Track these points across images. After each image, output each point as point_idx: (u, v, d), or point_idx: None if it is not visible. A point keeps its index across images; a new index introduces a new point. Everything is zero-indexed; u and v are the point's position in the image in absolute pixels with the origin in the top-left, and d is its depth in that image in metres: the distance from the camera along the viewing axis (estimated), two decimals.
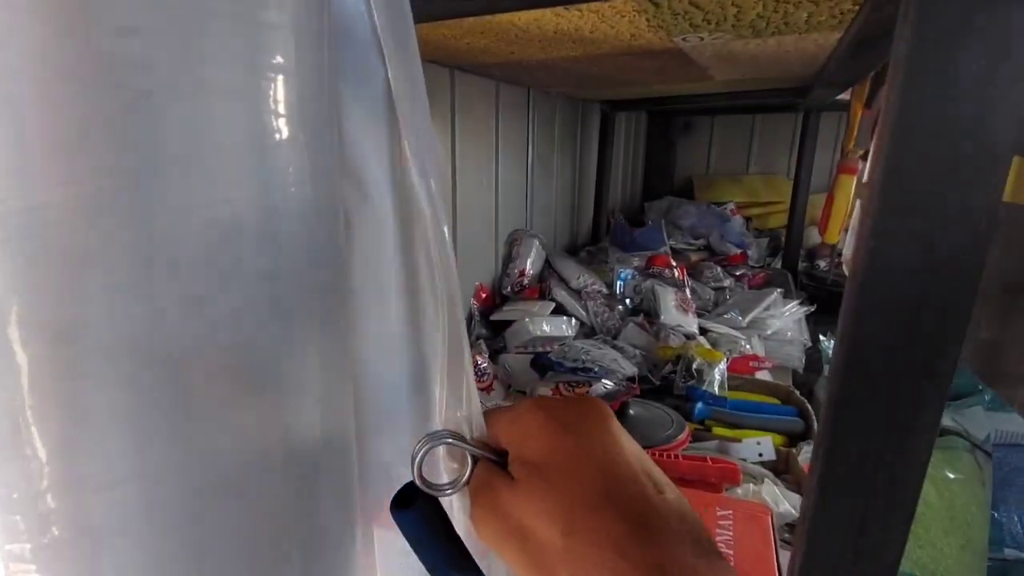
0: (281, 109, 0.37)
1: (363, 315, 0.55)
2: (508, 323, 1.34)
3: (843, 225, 1.39)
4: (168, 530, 0.29)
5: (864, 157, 1.18)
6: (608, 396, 1.04)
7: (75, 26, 0.25)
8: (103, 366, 0.27)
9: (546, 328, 1.28)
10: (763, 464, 0.99)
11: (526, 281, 1.49)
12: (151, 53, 0.26)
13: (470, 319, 1.35)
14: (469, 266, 1.34)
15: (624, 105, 2.01)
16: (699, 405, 1.18)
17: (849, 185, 1.29)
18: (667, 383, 1.27)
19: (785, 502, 0.79)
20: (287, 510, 0.34)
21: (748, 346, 1.53)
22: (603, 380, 1.07)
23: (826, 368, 1.93)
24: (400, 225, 0.52)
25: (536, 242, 1.55)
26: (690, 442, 1.03)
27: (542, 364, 1.16)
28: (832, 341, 2.02)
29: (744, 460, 0.99)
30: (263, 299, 0.36)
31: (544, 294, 1.49)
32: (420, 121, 0.46)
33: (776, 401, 1.26)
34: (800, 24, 0.77)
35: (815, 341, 1.91)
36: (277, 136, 0.36)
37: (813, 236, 2.68)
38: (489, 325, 1.39)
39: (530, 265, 1.51)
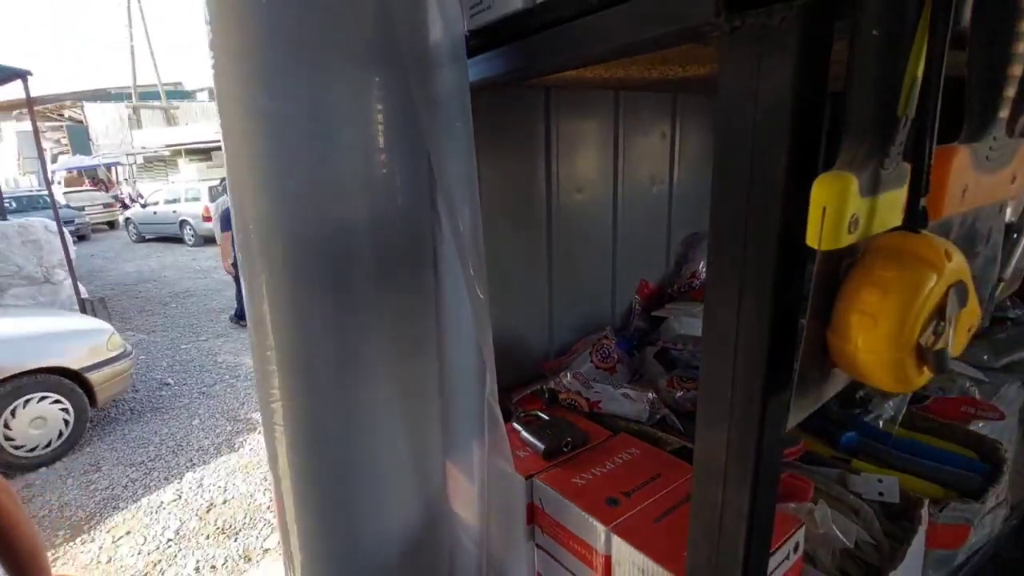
0: (381, 144, 0.68)
1: (452, 285, 0.83)
2: (662, 319, 1.43)
3: None
4: None
5: None
6: None
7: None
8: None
9: (688, 328, 1.33)
10: (882, 506, 0.89)
11: (696, 283, 1.54)
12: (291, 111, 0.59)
13: (630, 311, 1.50)
14: (635, 266, 1.48)
15: None
16: (850, 434, 1.08)
17: None
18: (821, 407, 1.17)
19: (833, 527, 0.75)
20: None
21: (973, 389, 1.24)
22: None
23: None
24: (472, 230, 0.78)
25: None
26: (800, 459, 0.99)
27: (669, 359, 1.24)
28: None
29: (858, 495, 0.91)
30: (368, 259, 0.68)
31: None
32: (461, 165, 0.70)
33: (961, 450, 1.04)
34: None
35: None
36: (380, 158, 0.67)
37: None
38: (650, 320, 1.50)
39: (702, 268, 1.54)
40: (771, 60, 0.39)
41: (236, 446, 3.82)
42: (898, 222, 0.41)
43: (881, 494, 0.90)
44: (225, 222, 5.71)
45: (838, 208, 0.35)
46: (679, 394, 1.08)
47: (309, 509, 0.81)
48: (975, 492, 0.93)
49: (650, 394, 1.05)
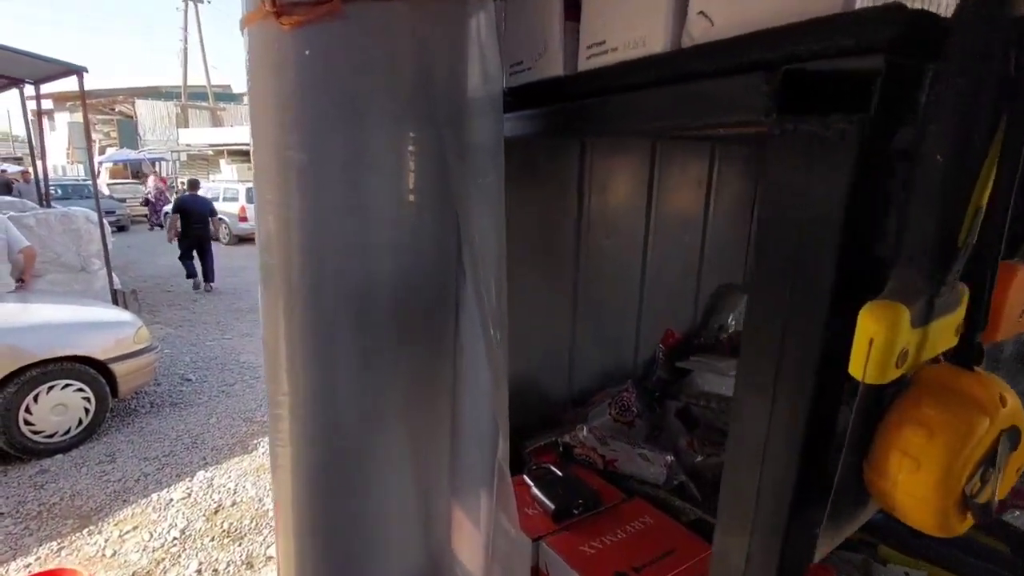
0: (412, 198, 0.67)
1: (471, 341, 0.82)
2: (687, 372, 1.39)
3: None
4: None
5: None
6: None
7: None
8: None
9: (713, 385, 1.29)
10: None
11: (723, 336, 1.50)
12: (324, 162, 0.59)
13: (653, 360, 1.46)
14: (661, 315, 1.45)
15: None
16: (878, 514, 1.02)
17: None
18: None
19: None
20: None
21: None
22: None
23: None
24: (497, 290, 0.77)
25: (746, 299, 1.52)
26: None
27: (690, 417, 1.20)
28: None
29: None
30: (391, 312, 0.67)
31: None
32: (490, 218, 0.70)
33: (989, 540, 0.97)
34: None
35: None
36: (409, 212, 0.66)
37: None
38: (673, 371, 1.46)
39: (731, 320, 1.50)
40: (822, 169, 0.37)
41: (250, 448, 3.83)
42: (951, 343, 0.38)
43: None
44: None
45: (887, 341, 0.33)
46: (699, 459, 1.04)
47: (310, 556, 0.80)
48: None
49: (668, 457, 1.01)
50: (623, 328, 1.40)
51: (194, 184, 8.12)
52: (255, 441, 3.99)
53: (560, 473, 0.98)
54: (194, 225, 7.64)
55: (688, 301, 1.53)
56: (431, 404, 0.79)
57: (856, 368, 0.34)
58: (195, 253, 7.92)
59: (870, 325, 0.33)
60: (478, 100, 0.67)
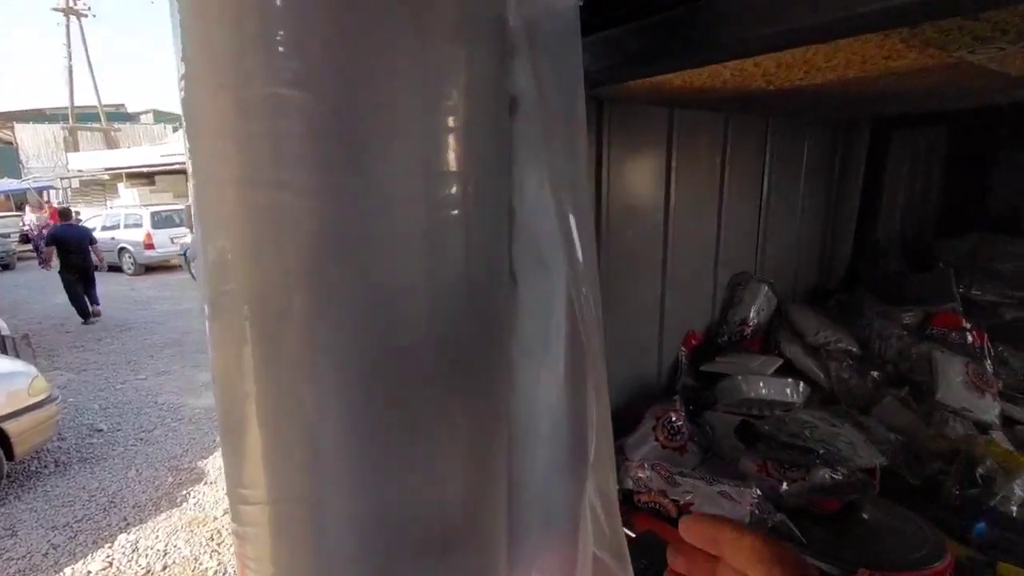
0: (450, 203, 0.43)
1: (530, 374, 0.58)
2: (718, 376, 1.21)
3: None
4: None
5: None
6: (831, 490, 0.85)
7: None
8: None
9: (764, 390, 1.12)
10: None
11: (748, 331, 1.33)
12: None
13: (676, 368, 1.27)
14: (679, 310, 1.26)
15: (906, 121, 1.63)
16: (981, 524, 0.88)
17: None
18: (932, 485, 0.97)
19: None
20: None
21: None
22: (826, 468, 0.88)
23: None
24: (569, 290, 0.54)
25: (765, 288, 1.37)
26: (952, 574, 0.77)
27: (752, 433, 1.01)
28: None
29: None
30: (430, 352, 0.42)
31: (770, 348, 1.31)
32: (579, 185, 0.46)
33: None
34: None
35: None
36: (445, 218, 0.42)
37: None
38: (698, 376, 1.28)
39: (755, 313, 1.34)
40: None
41: (178, 500, 3.34)
42: None
43: None
44: None
45: None
46: (784, 487, 0.85)
47: None
48: None
49: (755, 491, 0.81)
50: (645, 331, 1.20)
51: (66, 214, 7.56)
52: (185, 491, 3.51)
53: (631, 534, 0.75)
54: (72, 255, 6.97)
55: (706, 296, 1.35)
56: (491, 480, 0.53)
57: None
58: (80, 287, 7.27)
59: None
60: (556, 15, 0.44)
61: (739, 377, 1.14)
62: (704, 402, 1.20)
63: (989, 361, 1.30)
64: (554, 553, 0.62)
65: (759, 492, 0.81)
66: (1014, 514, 0.90)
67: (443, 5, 0.42)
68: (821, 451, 0.93)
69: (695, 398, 1.20)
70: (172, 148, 16.49)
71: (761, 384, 1.12)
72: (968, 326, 1.34)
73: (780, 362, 1.25)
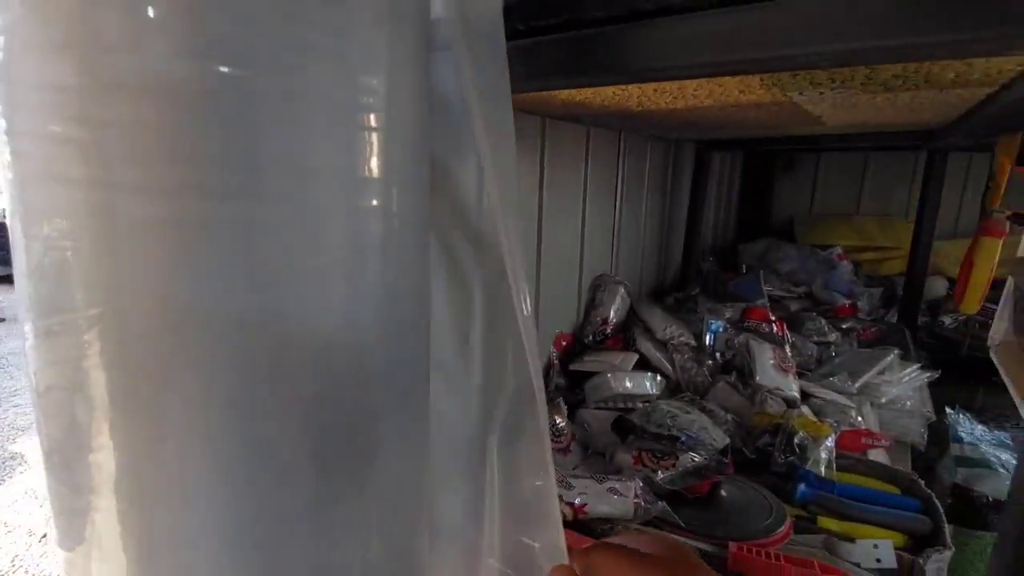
0: (373, 171, 0.37)
1: (450, 373, 0.54)
2: (588, 374, 1.28)
3: (983, 294, 1.21)
4: None
5: (1014, 219, 1.01)
6: (697, 472, 0.95)
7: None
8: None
9: (629, 385, 1.21)
10: (880, 573, 0.86)
11: (608, 330, 1.43)
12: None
13: (548, 368, 1.31)
14: (550, 313, 1.31)
15: (720, 145, 1.91)
16: (801, 487, 1.05)
17: (993, 249, 1.11)
18: (762, 456, 1.15)
19: None
20: None
21: (859, 417, 1.36)
22: (691, 453, 0.98)
23: (953, 447, 1.68)
24: (485, 289, 0.51)
25: (621, 289, 1.49)
26: (792, 534, 0.91)
27: (624, 427, 1.09)
28: (962, 415, 1.77)
29: (857, 565, 0.86)
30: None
31: (628, 344, 1.42)
32: (509, 184, 0.44)
33: (895, 490, 1.10)
34: (945, 82, 0.68)
35: (939, 413, 1.66)
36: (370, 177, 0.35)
37: (935, 287, 2.39)
38: (568, 375, 1.34)
39: (613, 313, 1.45)
40: None
41: None
42: None
43: (879, 560, 0.86)
44: None
45: None
46: (660, 475, 0.92)
47: None
48: (929, 536, 0.96)
49: (639, 484, 0.87)
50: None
51: None
52: None
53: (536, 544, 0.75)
54: None
55: (571, 298, 1.42)
56: (415, 509, 0.48)
57: None
58: None
59: None
60: (487, 17, 0.40)
61: (608, 375, 1.21)
62: (577, 401, 1.25)
63: (788, 346, 1.57)
64: (458, 565, 0.59)
65: (641, 484, 0.87)
66: (823, 474, 1.11)
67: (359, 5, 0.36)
68: (683, 438, 1.03)
69: (566, 398, 1.25)
70: None
71: (626, 380, 1.21)
72: (773, 319, 1.61)
73: (636, 357, 1.37)
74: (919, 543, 0.95)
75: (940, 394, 1.65)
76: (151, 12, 0.29)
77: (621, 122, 1.29)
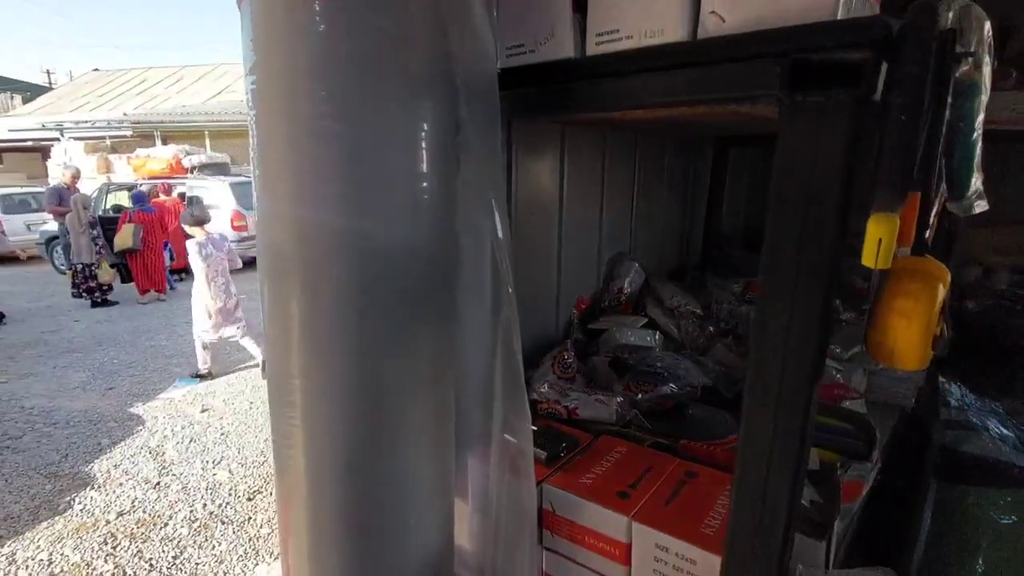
0: (424, 168, 0.70)
1: (468, 307, 0.88)
2: (600, 331, 1.58)
3: None
4: None
5: None
6: (670, 397, 1.24)
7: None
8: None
9: (631, 338, 1.50)
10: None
11: (623, 297, 1.72)
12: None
13: (569, 324, 1.63)
14: (572, 281, 1.62)
15: (736, 141, 2.13)
16: None
17: None
18: (740, 398, 1.40)
19: None
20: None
21: (839, 376, 1.57)
22: (669, 384, 1.27)
23: (943, 411, 1.83)
24: (493, 252, 0.84)
25: (636, 265, 1.77)
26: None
27: (620, 365, 1.39)
28: (953, 384, 1.91)
29: None
30: (407, 289, 0.70)
31: (639, 310, 1.71)
32: (498, 180, 0.77)
33: (841, 424, 1.33)
34: None
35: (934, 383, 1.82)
36: (422, 183, 0.69)
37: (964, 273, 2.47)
38: (586, 332, 1.64)
39: (627, 284, 1.73)
40: (829, 129, 0.53)
41: (61, 507, 3.14)
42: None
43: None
44: None
45: (889, 240, 0.49)
46: (639, 396, 1.22)
47: (332, 549, 0.78)
48: (862, 454, 1.19)
49: (619, 398, 1.17)
50: (545, 298, 1.54)
51: None
52: (68, 498, 3.30)
53: (535, 427, 1.08)
54: None
55: (591, 271, 1.72)
56: (442, 376, 0.82)
57: (869, 259, 0.50)
58: None
59: (879, 229, 0.49)
60: (484, 77, 0.73)
61: (614, 329, 1.51)
62: (590, 351, 1.56)
63: None
64: (479, 439, 0.92)
65: (621, 398, 1.17)
66: None
67: (417, 68, 0.70)
68: (665, 375, 1.32)
69: (584, 348, 1.56)
70: (22, 122, 14.21)
71: (629, 333, 1.50)
72: None
73: (645, 320, 1.66)
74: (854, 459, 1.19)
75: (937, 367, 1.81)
76: (312, 88, 0.64)
77: (634, 128, 1.58)
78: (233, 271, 4.54)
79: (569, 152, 1.48)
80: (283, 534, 0.82)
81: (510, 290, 0.79)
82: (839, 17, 0.53)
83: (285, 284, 0.70)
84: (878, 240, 0.50)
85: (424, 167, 0.71)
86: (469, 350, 0.88)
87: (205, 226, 4.37)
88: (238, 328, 4.60)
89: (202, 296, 4.37)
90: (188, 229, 4.35)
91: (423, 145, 0.71)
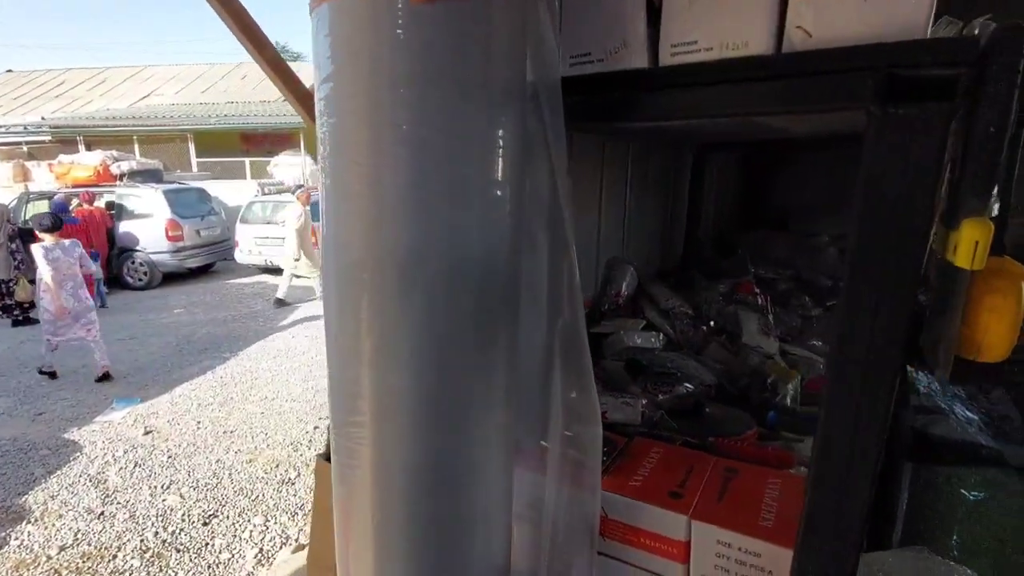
0: (500, 176, 0.69)
1: (529, 316, 0.86)
2: (604, 335, 1.60)
3: None
4: None
5: None
6: (687, 396, 1.27)
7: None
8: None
9: (638, 340, 1.53)
10: None
11: (621, 300, 1.75)
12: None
13: None
14: None
15: (715, 146, 2.23)
16: (771, 414, 1.37)
17: None
18: (744, 393, 1.46)
19: None
20: None
21: (824, 369, 1.67)
22: (685, 383, 1.30)
23: (912, 398, 1.98)
24: (550, 258, 0.83)
25: (631, 268, 1.81)
26: (757, 439, 1.23)
27: (636, 368, 1.41)
28: (920, 373, 2.07)
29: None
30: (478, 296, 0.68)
31: (636, 312, 1.74)
32: (566, 185, 0.77)
33: None
34: None
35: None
36: (496, 191, 0.68)
37: None
38: (589, 336, 1.66)
39: (625, 287, 1.77)
40: (920, 142, 0.56)
41: None
42: None
43: None
44: None
45: (986, 242, 0.53)
46: (660, 397, 1.25)
47: (397, 555, 0.75)
48: None
49: (643, 400, 1.19)
50: None
51: None
52: (2, 534, 3.02)
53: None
54: None
55: (589, 274, 1.74)
56: (510, 389, 0.81)
57: (965, 261, 0.54)
58: None
59: (975, 233, 0.53)
60: (551, 85, 0.73)
61: (621, 332, 1.54)
62: (595, 354, 1.58)
63: (771, 315, 1.88)
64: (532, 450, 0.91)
65: (645, 400, 1.19)
66: (789, 404, 1.42)
67: (495, 79, 0.68)
68: (679, 374, 1.35)
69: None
70: None
71: (636, 336, 1.53)
72: (758, 291, 1.92)
73: (644, 322, 1.69)
74: None
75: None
76: (395, 97, 0.62)
77: (629, 134, 1.61)
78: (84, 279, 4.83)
79: (575, 158, 1.49)
80: (345, 559, 0.78)
81: (579, 301, 0.79)
82: (928, 36, 0.56)
83: (357, 297, 0.66)
84: (975, 243, 0.53)
85: (500, 177, 0.70)
86: (526, 363, 0.87)
87: (56, 233, 4.68)
88: (87, 331, 4.81)
89: (46, 298, 4.60)
90: (38, 234, 4.69)
91: (499, 155, 0.69)
